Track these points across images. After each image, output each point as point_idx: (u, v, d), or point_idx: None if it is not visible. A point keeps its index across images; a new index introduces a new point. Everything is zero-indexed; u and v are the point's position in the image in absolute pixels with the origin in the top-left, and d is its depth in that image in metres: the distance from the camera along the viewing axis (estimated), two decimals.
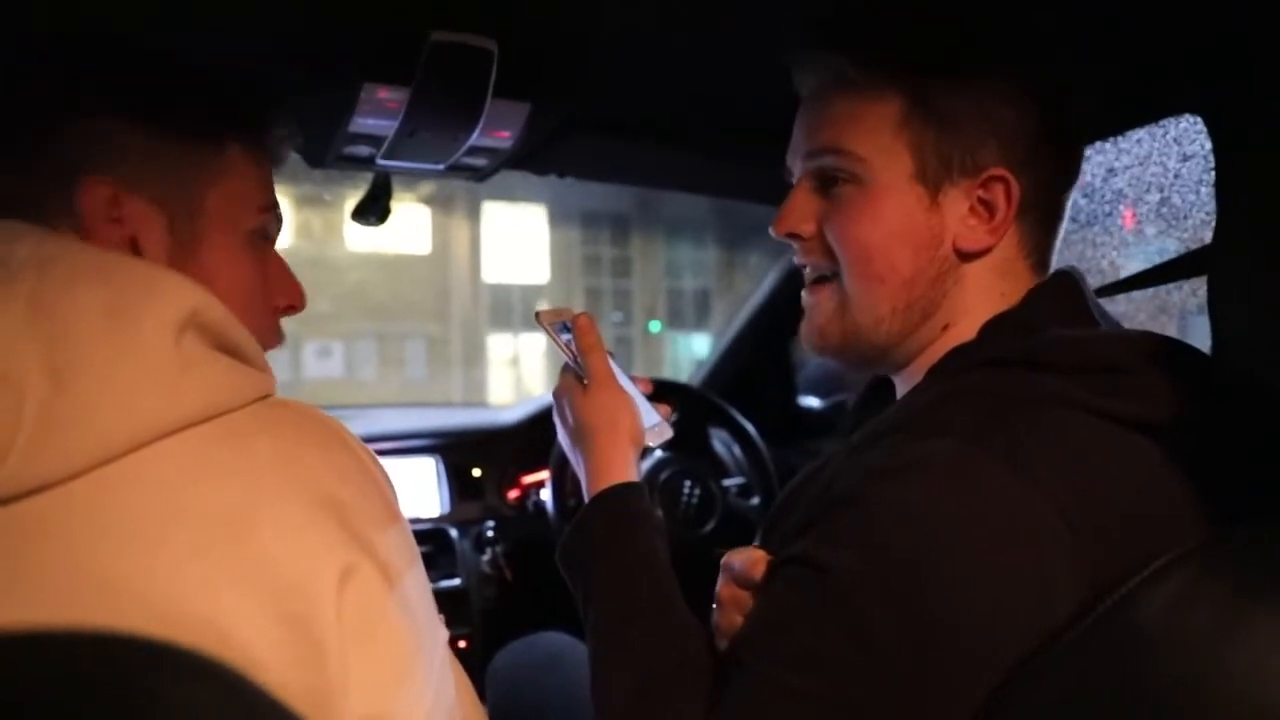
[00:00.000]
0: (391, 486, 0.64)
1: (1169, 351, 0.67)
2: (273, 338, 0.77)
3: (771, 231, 0.81)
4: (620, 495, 0.85)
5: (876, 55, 0.74)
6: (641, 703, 0.71)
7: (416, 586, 0.62)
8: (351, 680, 0.53)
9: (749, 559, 0.74)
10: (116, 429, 0.50)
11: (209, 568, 0.50)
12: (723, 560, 0.78)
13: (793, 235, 0.79)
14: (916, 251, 0.74)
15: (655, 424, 0.94)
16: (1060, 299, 0.74)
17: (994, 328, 0.73)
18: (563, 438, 0.95)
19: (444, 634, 0.68)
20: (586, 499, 0.87)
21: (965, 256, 0.74)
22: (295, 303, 0.80)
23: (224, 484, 0.52)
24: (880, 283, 0.75)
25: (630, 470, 0.88)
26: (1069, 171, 0.78)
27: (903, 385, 0.81)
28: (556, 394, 0.94)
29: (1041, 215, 0.76)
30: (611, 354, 0.93)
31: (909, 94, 0.73)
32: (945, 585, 0.58)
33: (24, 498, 0.48)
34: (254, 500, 0.52)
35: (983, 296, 0.75)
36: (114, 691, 0.35)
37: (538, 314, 0.94)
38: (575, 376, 0.93)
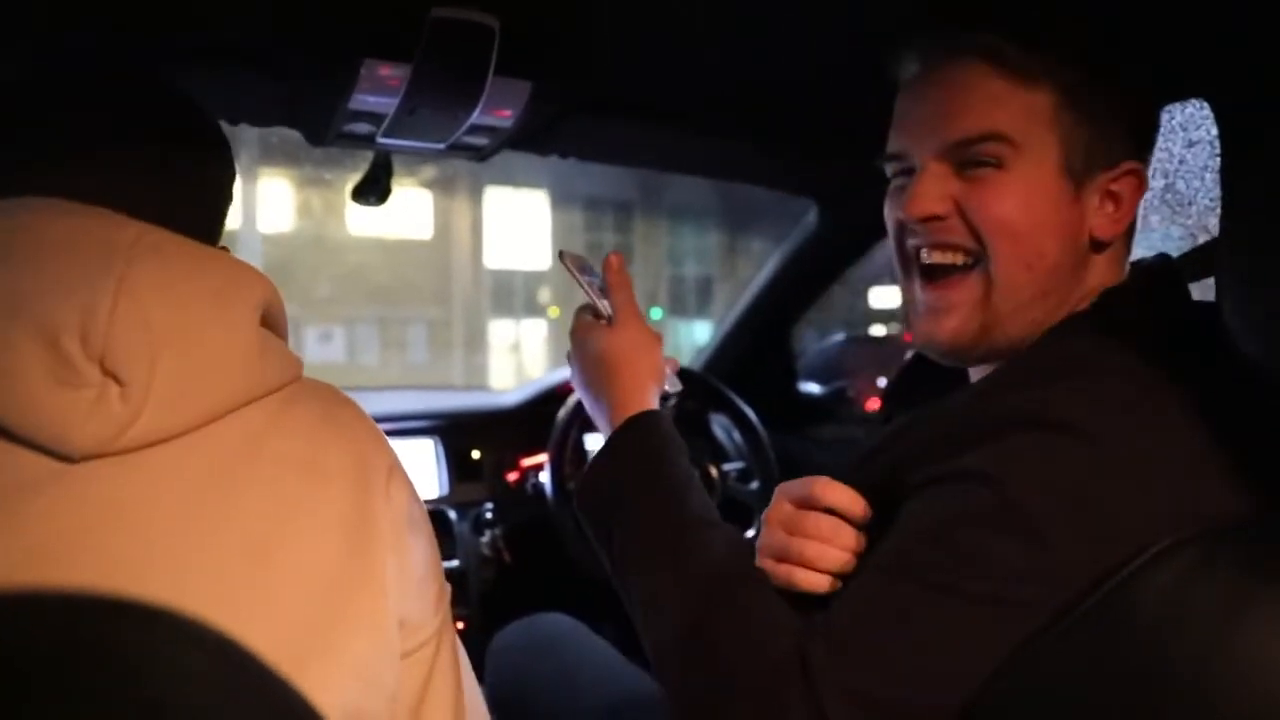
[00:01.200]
0: None
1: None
2: None
3: (902, 215, 0.79)
4: (653, 420, 0.86)
5: (1036, 40, 0.74)
6: (717, 598, 0.72)
7: (427, 517, 0.73)
8: (388, 575, 0.63)
9: (823, 483, 0.75)
10: (223, 394, 0.59)
11: (286, 500, 0.60)
12: (778, 489, 0.80)
13: (931, 217, 0.77)
14: (1062, 241, 0.75)
15: (669, 374, 0.95)
16: (1163, 275, 0.78)
17: (1107, 298, 0.76)
18: (578, 377, 0.94)
19: (448, 587, 0.74)
20: (608, 432, 0.87)
21: (1098, 246, 0.77)
22: None
23: (292, 437, 0.63)
24: (1029, 268, 0.75)
25: (654, 405, 0.88)
26: None
27: (984, 369, 0.82)
28: (574, 332, 0.95)
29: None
30: None
31: (1061, 86, 0.74)
32: (1120, 506, 0.61)
33: (145, 449, 0.56)
34: (315, 446, 0.64)
35: (1099, 283, 0.77)
36: (105, 653, 0.36)
37: (562, 253, 0.94)
38: (594, 315, 0.93)
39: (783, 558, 0.75)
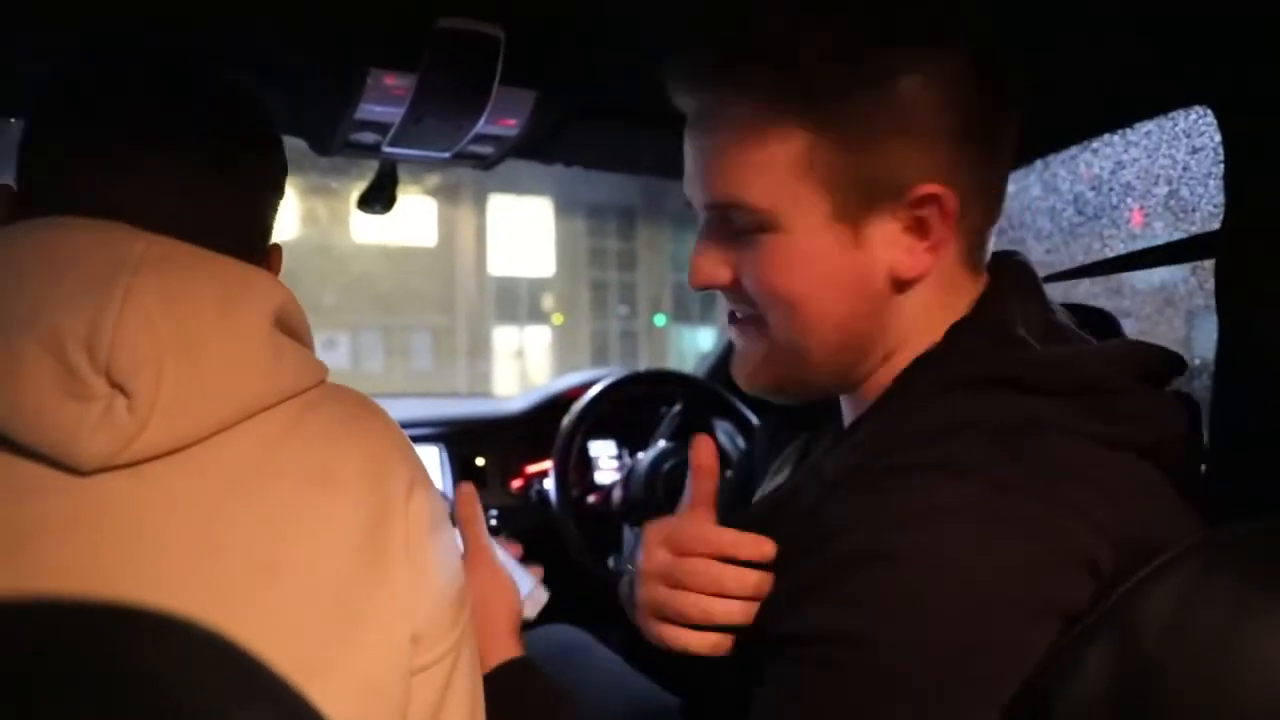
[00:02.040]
0: None
1: (1155, 365, 0.66)
2: None
3: (689, 284, 0.73)
4: (506, 675, 0.80)
5: (761, 86, 0.63)
6: None
7: (453, 532, 0.71)
8: (401, 591, 0.62)
9: (700, 526, 0.69)
10: (234, 402, 0.58)
11: (297, 511, 0.59)
12: (648, 533, 0.72)
13: (710, 287, 0.71)
14: (846, 295, 0.66)
15: (530, 591, 0.92)
16: (1022, 298, 0.69)
17: (961, 334, 0.67)
18: None
19: (470, 597, 0.73)
20: None
21: (904, 285, 0.67)
22: None
23: (308, 444, 0.62)
24: (807, 332, 0.67)
25: (511, 646, 0.83)
26: (1006, 154, 0.69)
27: (852, 405, 0.75)
28: None
29: (981, 213, 0.68)
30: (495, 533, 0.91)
31: (811, 124, 0.62)
32: (993, 634, 0.55)
33: (155, 460, 0.55)
34: (330, 454, 0.62)
35: (926, 319, 0.68)
36: (115, 660, 0.36)
37: None
38: None
39: (665, 617, 0.69)
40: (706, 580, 0.67)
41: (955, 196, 0.64)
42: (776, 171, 0.64)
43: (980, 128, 0.65)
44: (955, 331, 0.67)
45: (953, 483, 0.57)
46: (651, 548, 0.71)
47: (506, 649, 0.82)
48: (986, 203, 0.68)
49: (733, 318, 0.74)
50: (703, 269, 0.70)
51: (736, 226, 0.68)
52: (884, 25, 0.62)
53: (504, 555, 0.93)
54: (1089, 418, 0.60)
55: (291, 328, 0.65)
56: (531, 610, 0.91)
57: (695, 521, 0.71)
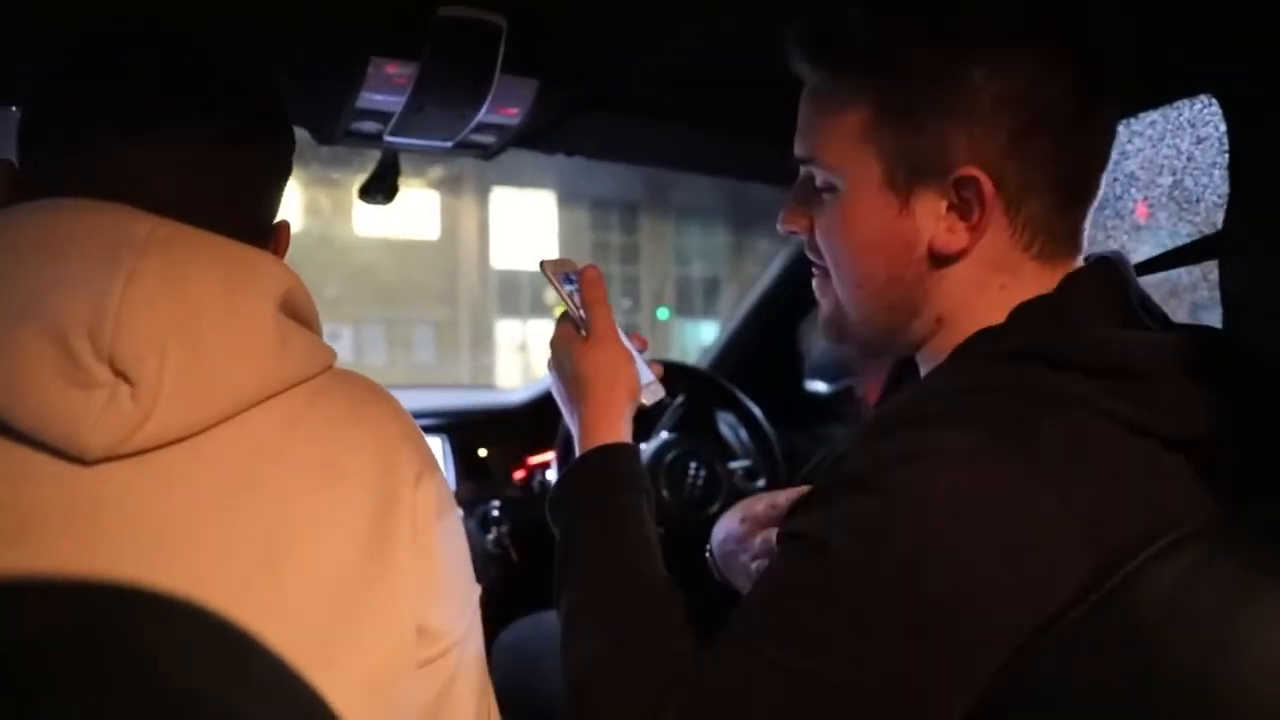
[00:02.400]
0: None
1: (1202, 357, 0.65)
2: None
3: (778, 227, 0.82)
4: (608, 455, 0.85)
5: (839, 62, 0.71)
6: (612, 660, 0.70)
7: (460, 522, 0.72)
8: (406, 582, 0.62)
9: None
10: (239, 389, 0.57)
11: (302, 502, 0.59)
12: (735, 507, 0.85)
13: (792, 232, 0.81)
14: (890, 258, 0.73)
15: (649, 382, 0.94)
16: (1098, 287, 0.70)
17: (1024, 314, 0.69)
18: (556, 388, 0.94)
19: (477, 588, 0.74)
20: (578, 453, 0.87)
21: (944, 258, 0.71)
22: None
23: (315, 433, 0.61)
24: (859, 287, 0.75)
25: (623, 429, 0.88)
26: (1086, 152, 0.71)
27: (925, 366, 0.79)
28: (554, 343, 0.94)
29: (1043, 206, 0.70)
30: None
31: (875, 100, 0.70)
32: (945, 578, 0.58)
33: (160, 449, 0.55)
34: (337, 444, 0.62)
35: (975, 290, 0.72)
36: (117, 642, 0.36)
37: (542, 263, 0.93)
38: (574, 327, 0.92)
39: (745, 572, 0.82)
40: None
41: (995, 183, 0.67)
42: (843, 135, 0.72)
43: (1050, 124, 0.67)
44: (1018, 311, 0.70)
45: (955, 432, 0.61)
46: (729, 518, 0.87)
47: (614, 430, 0.87)
48: (1053, 196, 0.70)
49: (813, 276, 0.83)
50: (787, 215, 0.80)
51: (816, 184, 0.76)
52: (955, 22, 0.68)
53: (629, 344, 0.93)
54: (1119, 400, 0.62)
55: (298, 312, 0.64)
56: (649, 398, 0.93)
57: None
